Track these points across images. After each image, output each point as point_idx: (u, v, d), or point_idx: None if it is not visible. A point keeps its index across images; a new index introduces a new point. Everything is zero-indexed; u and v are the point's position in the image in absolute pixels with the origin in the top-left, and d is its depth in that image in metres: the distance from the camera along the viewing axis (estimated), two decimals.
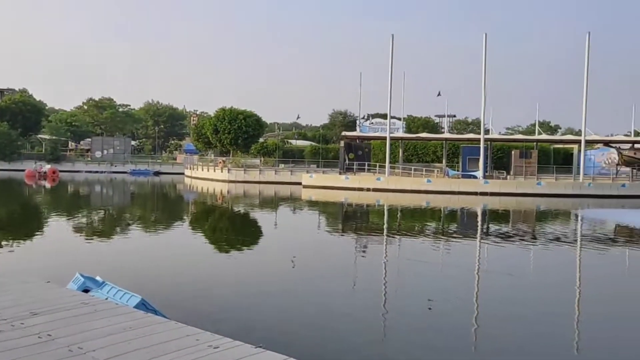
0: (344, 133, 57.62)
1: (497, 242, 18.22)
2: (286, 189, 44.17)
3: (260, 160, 63.06)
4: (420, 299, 9.98)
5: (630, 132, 58.12)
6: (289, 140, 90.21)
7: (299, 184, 46.01)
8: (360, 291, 10.88)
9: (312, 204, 34.71)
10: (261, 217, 26.13)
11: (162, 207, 32.42)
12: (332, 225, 24.05)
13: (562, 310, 9.62)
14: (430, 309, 9.39)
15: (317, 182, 45.74)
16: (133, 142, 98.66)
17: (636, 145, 51.44)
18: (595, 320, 9.13)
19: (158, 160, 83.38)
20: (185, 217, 26.25)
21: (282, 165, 59.19)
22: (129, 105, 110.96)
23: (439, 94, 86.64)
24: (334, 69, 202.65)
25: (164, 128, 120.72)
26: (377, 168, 48.53)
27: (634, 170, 48.10)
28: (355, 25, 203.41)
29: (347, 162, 50.10)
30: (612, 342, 7.94)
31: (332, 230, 22.06)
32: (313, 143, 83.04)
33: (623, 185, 42.27)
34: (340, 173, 47.92)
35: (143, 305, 6.79)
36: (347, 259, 14.56)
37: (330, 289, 10.71)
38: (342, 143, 52.93)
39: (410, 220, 26.14)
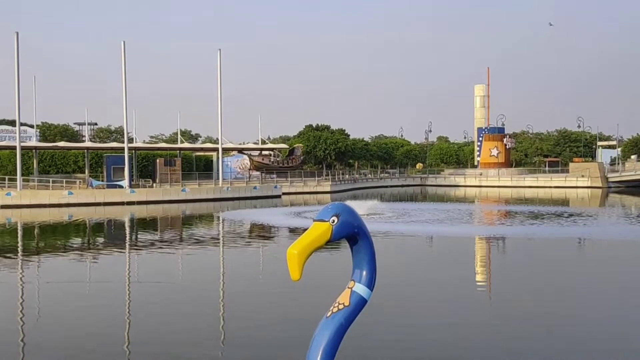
0: None
1: (147, 251, 18.28)
2: None
3: None
4: (65, 323, 9.25)
5: (259, 141, 66.34)
6: None
7: None
8: None
9: None
10: None
11: None
12: None
13: (207, 309, 10.35)
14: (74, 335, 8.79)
15: None
16: None
17: (264, 152, 59.15)
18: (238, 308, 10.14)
19: None
20: None
21: None
22: None
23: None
24: None
25: None
26: (7, 182, 42.70)
27: (263, 174, 55.19)
28: None
29: None
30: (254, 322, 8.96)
31: None
32: None
33: (255, 188, 47.95)
34: None
35: None
36: None
37: None
38: None
39: (51, 238, 23.85)
